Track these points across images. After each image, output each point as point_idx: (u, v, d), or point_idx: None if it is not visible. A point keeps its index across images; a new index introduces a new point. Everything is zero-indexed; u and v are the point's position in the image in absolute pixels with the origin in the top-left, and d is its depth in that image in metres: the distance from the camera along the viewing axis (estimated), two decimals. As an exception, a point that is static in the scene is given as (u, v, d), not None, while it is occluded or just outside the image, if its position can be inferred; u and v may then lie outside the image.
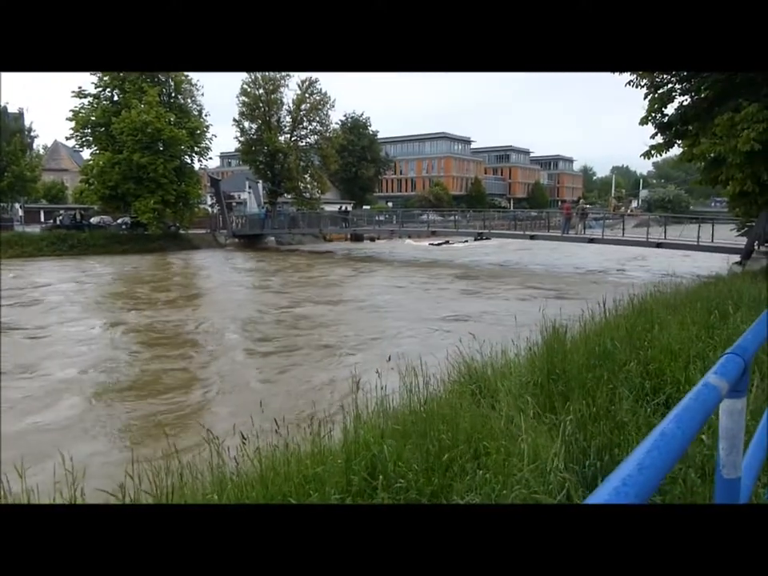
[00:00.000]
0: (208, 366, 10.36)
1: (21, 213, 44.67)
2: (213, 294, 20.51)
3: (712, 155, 14.72)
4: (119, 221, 40.47)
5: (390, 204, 75.93)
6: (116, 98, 37.28)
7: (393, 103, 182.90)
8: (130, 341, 12.39)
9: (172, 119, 36.45)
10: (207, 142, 39.65)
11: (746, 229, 23.63)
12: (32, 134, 44.96)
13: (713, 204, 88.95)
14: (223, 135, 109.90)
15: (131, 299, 18.31)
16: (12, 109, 41.37)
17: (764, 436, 2.32)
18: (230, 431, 4.06)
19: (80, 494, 3.25)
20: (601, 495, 0.85)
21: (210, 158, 43.64)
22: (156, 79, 37.53)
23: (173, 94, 38.81)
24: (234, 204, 49.42)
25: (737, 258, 20.60)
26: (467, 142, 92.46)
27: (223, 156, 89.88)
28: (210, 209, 48.39)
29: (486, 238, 39.12)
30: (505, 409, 4.11)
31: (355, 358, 9.80)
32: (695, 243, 24.49)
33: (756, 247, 20.40)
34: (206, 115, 40.12)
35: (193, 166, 40.37)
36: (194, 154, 39.48)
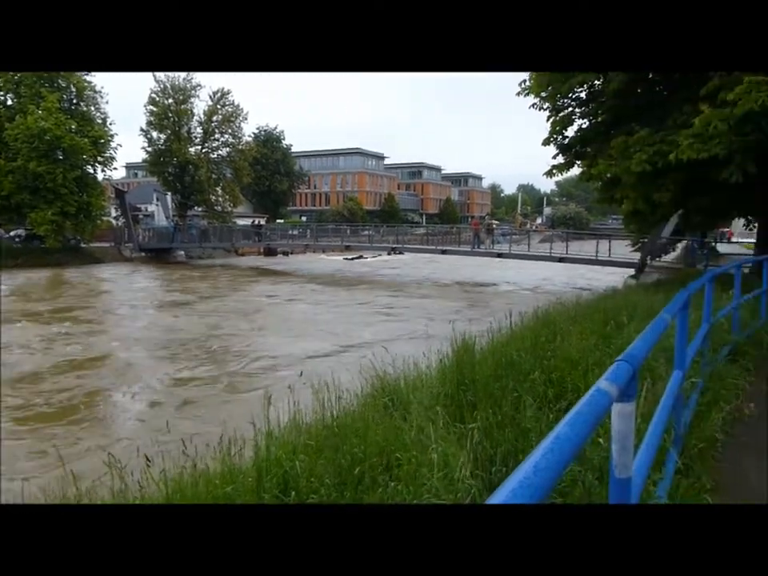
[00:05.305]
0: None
1: None
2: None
3: (608, 175, 15.68)
4: (12, 233, 37.94)
5: (303, 218, 75.54)
6: (9, 102, 35.17)
7: (306, 118, 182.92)
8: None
9: (73, 127, 34.75)
10: (111, 151, 38.17)
11: (639, 245, 25.32)
12: None
13: (610, 221, 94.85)
14: (129, 145, 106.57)
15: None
16: None
17: (653, 438, 2.49)
18: (135, 454, 3.86)
19: None
20: (500, 496, 0.89)
21: (115, 168, 41.86)
22: (56, 84, 35.70)
23: (74, 101, 37.07)
24: (140, 216, 47.55)
25: (632, 271, 22.02)
26: (381, 157, 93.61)
27: (129, 166, 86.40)
28: (114, 221, 46.34)
29: (400, 253, 39.90)
30: (416, 420, 4.16)
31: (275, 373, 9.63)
32: (594, 258, 26.01)
33: (648, 261, 21.90)
34: (110, 124, 38.69)
35: (96, 177, 38.57)
36: (97, 164, 37.79)
